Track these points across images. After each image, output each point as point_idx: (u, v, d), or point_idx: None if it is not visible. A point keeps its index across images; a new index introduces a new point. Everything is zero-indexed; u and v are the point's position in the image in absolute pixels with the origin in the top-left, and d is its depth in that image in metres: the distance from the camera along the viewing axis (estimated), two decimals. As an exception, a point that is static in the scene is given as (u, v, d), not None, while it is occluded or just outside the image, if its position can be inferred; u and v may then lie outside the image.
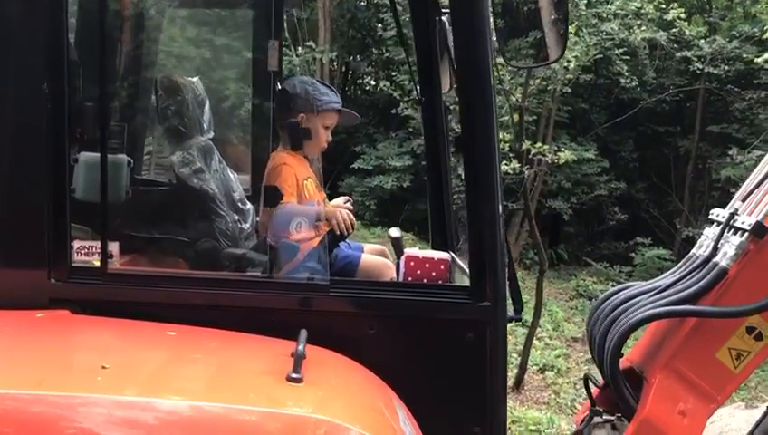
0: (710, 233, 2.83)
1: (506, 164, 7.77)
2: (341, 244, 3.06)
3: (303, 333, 2.12)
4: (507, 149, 8.37)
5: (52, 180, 2.37)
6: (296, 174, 3.08)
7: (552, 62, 2.84)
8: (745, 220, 2.65)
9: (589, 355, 10.07)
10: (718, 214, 2.86)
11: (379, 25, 14.86)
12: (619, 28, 13.21)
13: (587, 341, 3.01)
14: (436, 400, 2.43)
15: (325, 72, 14.33)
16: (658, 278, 2.91)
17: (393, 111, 13.34)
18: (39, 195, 2.37)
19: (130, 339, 2.24)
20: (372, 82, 17.72)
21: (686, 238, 14.93)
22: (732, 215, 2.71)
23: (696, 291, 2.63)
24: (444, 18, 3.47)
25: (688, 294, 2.64)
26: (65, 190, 2.39)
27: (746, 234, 2.61)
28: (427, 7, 3.45)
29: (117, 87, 3.31)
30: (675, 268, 2.90)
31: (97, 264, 2.52)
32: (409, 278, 2.64)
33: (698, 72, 14.20)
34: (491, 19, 2.45)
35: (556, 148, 8.51)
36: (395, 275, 3.01)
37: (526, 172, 8.06)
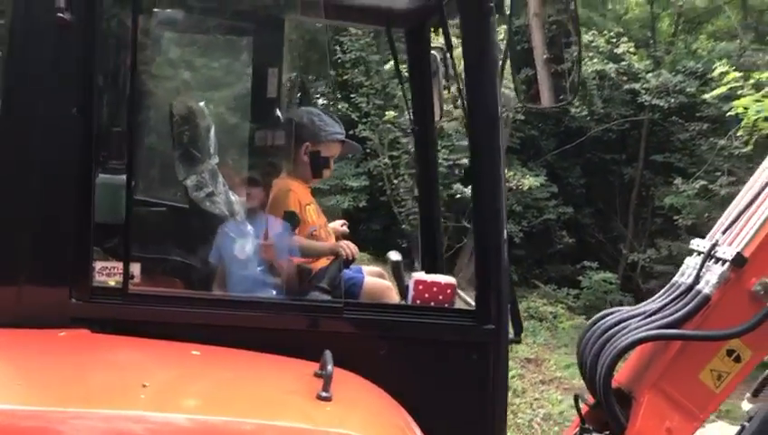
0: (692, 262, 3.03)
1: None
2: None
3: (329, 354, 2.22)
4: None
5: (76, 202, 2.43)
6: (300, 200, 3.20)
7: (566, 104, 3.02)
8: (726, 251, 2.86)
9: (542, 376, 10.34)
10: (698, 244, 3.07)
11: (338, 48, 15.03)
12: (571, 59, 13.67)
13: (577, 362, 3.18)
14: (441, 417, 2.53)
15: (283, 93, 14.39)
16: (645, 303, 3.10)
17: (351, 132, 13.48)
18: (63, 216, 2.42)
19: (158, 358, 2.30)
20: (324, 102, 17.82)
21: (630, 263, 15.46)
22: (713, 245, 2.92)
23: (682, 316, 2.82)
24: (436, 53, 3.66)
25: (674, 319, 2.83)
26: (89, 212, 2.44)
27: (727, 263, 2.82)
28: (423, 43, 3.63)
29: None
30: (659, 294, 3.09)
31: (112, 283, 2.58)
32: (417, 301, 2.77)
33: (645, 103, 14.75)
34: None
35: (521, 174, 8.76)
36: (395, 297, 3.14)
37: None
